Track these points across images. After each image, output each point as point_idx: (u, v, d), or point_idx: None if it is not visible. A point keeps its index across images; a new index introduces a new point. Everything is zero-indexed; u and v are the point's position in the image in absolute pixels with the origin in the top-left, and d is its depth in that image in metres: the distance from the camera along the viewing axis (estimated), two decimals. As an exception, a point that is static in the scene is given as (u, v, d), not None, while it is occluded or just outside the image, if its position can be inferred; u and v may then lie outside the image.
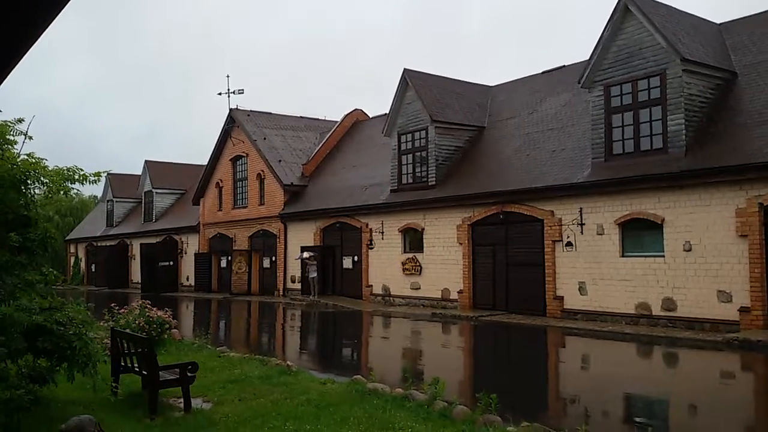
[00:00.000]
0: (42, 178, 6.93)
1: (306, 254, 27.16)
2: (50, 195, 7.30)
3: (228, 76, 51.85)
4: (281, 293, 29.99)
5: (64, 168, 7.29)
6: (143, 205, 42.85)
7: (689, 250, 15.72)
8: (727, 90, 16.86)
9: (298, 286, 28.74)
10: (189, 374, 8.24)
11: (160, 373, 8.09)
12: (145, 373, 8.33)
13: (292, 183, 30.33)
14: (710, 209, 15.41)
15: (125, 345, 8.90)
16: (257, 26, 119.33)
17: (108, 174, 7.43)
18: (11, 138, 7.65)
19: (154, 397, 7.93)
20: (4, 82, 3.67)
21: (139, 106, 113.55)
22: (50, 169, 7.05)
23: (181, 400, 8.43)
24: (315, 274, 26.60)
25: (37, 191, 7.11)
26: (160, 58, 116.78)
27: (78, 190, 8.41)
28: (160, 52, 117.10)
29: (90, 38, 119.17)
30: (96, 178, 7.51)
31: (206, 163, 36.20)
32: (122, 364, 8.95)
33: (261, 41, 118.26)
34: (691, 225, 15.72)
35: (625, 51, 17.31)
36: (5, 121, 7.73)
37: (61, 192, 7.07)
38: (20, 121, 7.75)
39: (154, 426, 7.38)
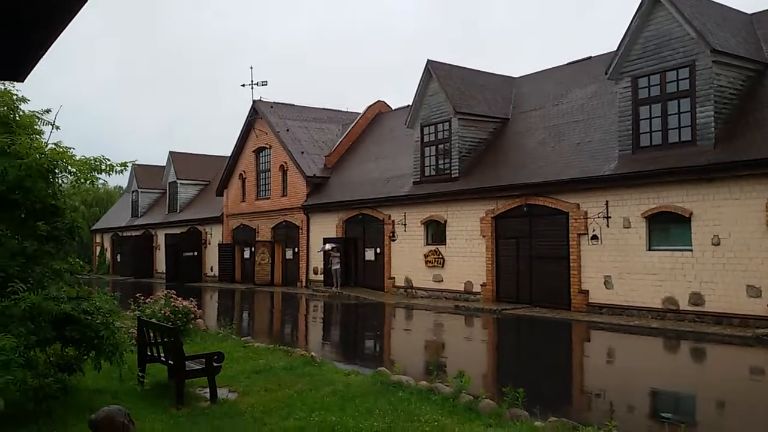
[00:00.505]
0: (70, 168, 6.97)
1: (328, 246, 27.22)
2: (77, 185, 7.34)
3: (251, 68, 51.98)
4: (304, 284, 30.08)
5: (92, 158, 7.32)
6: (168, 195, 43.19)
7: (718, 244, 15.46)
8: (758, 82, 16.51)
9: (320, 277, 28.80)
10: (215, 364, 8.27)
11: (186, 363, 8.13)
12: (171, 362, 8.38)
13: (314, 174, 30.36)
14: (740, 203, 15.12)
15: (151, 334, 8.96)
16: (281, 18, 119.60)
17: (133, 165, 7.45)
18: (38, 128, 7.72)
19: (181, 387, 7.97)
20: (32, 71, 3.66)
21: (164, 98, 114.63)
22: (77, 159, 7.08)
23: (206, 389, 8.47)
24: (338, 266, 26.65)
25: (64, 181, 7.16)
26: (187, 50, 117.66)
27: (105, 180, 8.46)
28: (187, 44, 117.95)
29: (114, 30, 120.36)
30: (122, 168, 7.54)
31: (230, 155, 36.38)
32: (148, 353, 9.01)
33: (285, 33, 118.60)
34: (720, 219, 15.45)
35: (653, 42, 17.01)
36: (33, 111, 7.79)
37: (88, 182, 7.10)
38: (47, 111, 7.81)
39: (180, 416, 7.42)
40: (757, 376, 11.46)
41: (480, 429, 6.86)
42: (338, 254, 26.81)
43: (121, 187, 57.17)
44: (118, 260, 47.10)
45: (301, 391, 8.63)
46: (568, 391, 10.23)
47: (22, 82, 3.61)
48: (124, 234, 46.74)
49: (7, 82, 7.62)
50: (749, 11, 18.72)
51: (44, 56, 3.23)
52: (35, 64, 3.36)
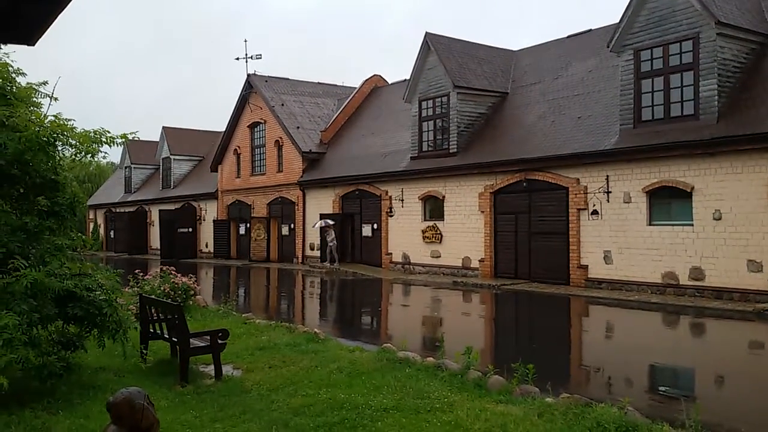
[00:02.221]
0: (71, 140, 6.76)
1: (323, 222, 27.03)
2: (77, 158, 7.14)
3: (246, 41, 51.18)
4: (300, 260, 29.98)
5: (91, 130, 7.11)
6: (161, 171, 42.84)
7: (719, 219, 15.39)
8: (762, 54, 16.32)
9: (317, 253, 28.69)
10: (220, 341, 8.15)
11: (190, 340, 8.00)
12: (175, 340, 8.25)
13: (310, 150, 30.09)
14: (742, 177, 15.03)
15: (153, 312, 8.82)
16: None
17: (126, 140, 7.24)
18: (37, 100, 7.49)
19: (185, 365, 7.85)
20: (38, 42, 3.50)
21: (161, 73, 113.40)
22: (78, 131, 6.87)
23: (210, 367, 8.36)
24: (334, 242, 26.49)
25: (66, 153, 6.95)
26: (184, 23, 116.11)
27: (106, 153, 8.25)
28: (186, 17, 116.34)
29: (115, 3, 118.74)
30: (123, 140, 7.33)
31: (224, 130, 36.02)
32: (151, 330, 8.88)
33: (282, 7, 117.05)
34: (722, 193, 15.37)
35: (656, 14, 16.77)
36: (30, 84, 7.56)
37: (89, 155, 6.90)
38: (45, 83, 7.57)
39: (186, 393, 7.31)
40: (757, 350, 11.45)
41: (491, 406, 6.78)
42: (333, 230, 26.60)
43: (113, 163, 56.71)
44: (112, 236, 46.84)
45: (307, 367, 8.52)
46: (570, 366, 10.18)
47: (33, 45, 3.46)
48: (118, 210, 46.44)
49: (1, 54, 7.39)
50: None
51: (55, 21, 3.09)
52: (47, 28, 3.22)
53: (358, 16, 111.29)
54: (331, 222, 27.00)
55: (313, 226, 28.39)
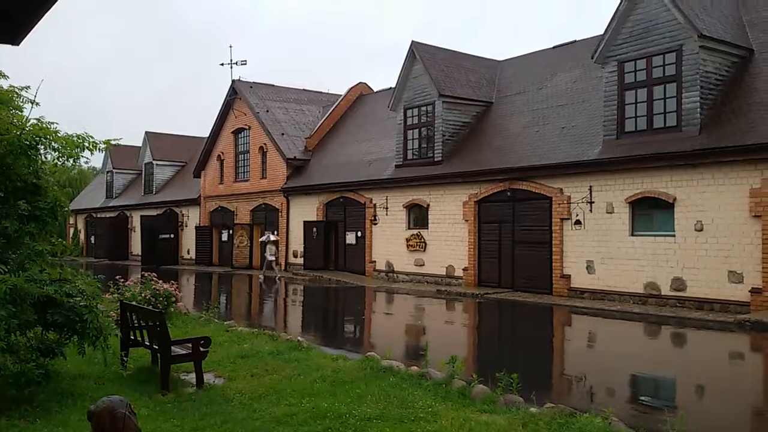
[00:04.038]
0: (53, 144, 6.65)
1: (266, 237, 27.87)
2: (59, 162, 7.03)
3: (231, 47, 51.17)
4: (283, 268, 29.80)
5: (74, 135, 7.01)
6: (143, 177, 42.49)
7: (701, 230, 15.52)
8: (744, 68, 16.53)
9: (300, 261, 28.57)
10: (202, 349, 8.06)
11: (172, 347, 7.90)
12: (156, 347, 8.15)
13: (295, 157, 30.01)
14: (723, 189, 15.18)
15: (134, 318, 8.71)
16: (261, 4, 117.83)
17: (108, 145, 7.13)
18: (19, 104, 7.38)
19: (167, 373, 7.75)
20: (24, 40, 3.43)
21: (147, 77, 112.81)
22: (60, 135, 6.77)
23: (191, 374, 8.27)
24: (273, 257, 27.32)
25: (47, 158, 6.84)
26: (171, 29, 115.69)
27: (88, 158, 8.14)
28: (174, 25, 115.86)
29: (109, 7, 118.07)
30: (106, 145, 7.24)
31: (208, 136, 35.82)
32: (131, 337, 8.76)
33: (270, 15, 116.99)
34: (704, 204, 15.50)
35: (640, 26, 16.93)
36: (12, 86, 7.45)
37: (71, 159, 6.80)
38: (27, 88, 7.47)
39: (167, 402, 7.21)
40: (738, 360, 11.53)
41: (475, 416, 6.75)
42: (275, 245, 27.69)
43: (95, 168, 56.18)
44: (92, 242, 46.35)
45: (290, 376, 8.46)
46: (553, 376, 10.18)
47: (18, 45, 3.38)
48: (99, 215, 45.97)
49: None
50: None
51: (40, 21, 3.03)
52: (32, 29, 3.16)
53: (348, 27, 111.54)
54: (273, 237, 27.81)
55: (261, 239, 28.99)
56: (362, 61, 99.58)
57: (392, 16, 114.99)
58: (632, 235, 17.01)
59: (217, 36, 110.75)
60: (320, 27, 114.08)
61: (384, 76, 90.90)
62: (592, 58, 18.14)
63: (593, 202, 17.77)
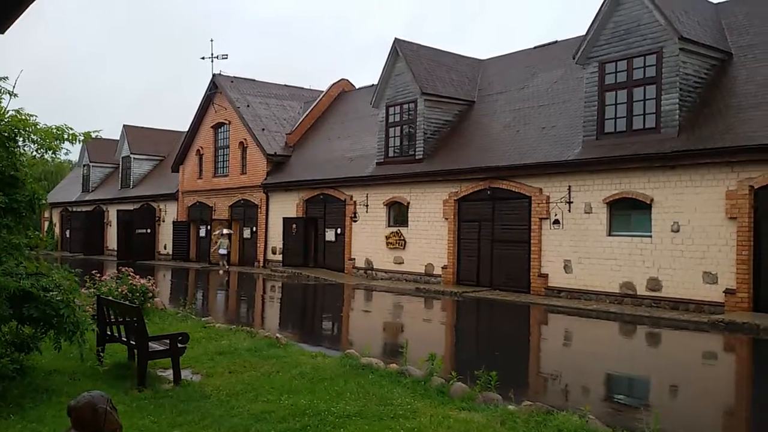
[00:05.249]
0: (32, 136, 6.54)
1: (226, 231, 29.72)
2: (38, 155, 6.92)
3: (212, 41, 50.73)
4: (261, 264, 29.69)
5: (53, 126, 6.90)
6: (120, 170, 42.03)
7: (677, 231, 15.71)
8: (722, 71, 16.75)
9: (279, 257, 28.45)
10: (179, 345, 7.98)
11: (149, 343, 7.82)
12: (133, 342, 8.06)
13: (275, 153, 29.86)
14: (700, 190, 15.37)
15: (111, 314, 8.61)
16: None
17: (93, 135, 7.02)
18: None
19: (143, 369, 7.67)
20: (9, 29, 3.37)
21: (134, 71, 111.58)
22: (40, 126, 6.66)
23: (169, 371, 8.19)
24: (225, 251, 29.38)
25: (27, 149, 6.73)
26: (157, 22, 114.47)
27: (68, 150, 8.04)
28: (158, 18, 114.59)
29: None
30: (86, 137, 7.14)
31: (187, 130, 35.51)
32: (108, 333, 8.66)
33: (257, 10, 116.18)
34: (680, 206, 15.69)
35: (622, 27, 17.08)
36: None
37: (50, 151, 6.69)
38: (5, 79, 7.33)
39: (143, 398, 7.13)
40: (711, 360, 11.69)
41: (454, 413, 6.77)
42: (228, 239, 29.78)
43: (71, 161, 55.48)
44: (68, 236, 45.76)
45: (268, 373, 8.41)
46: (530, 374, 10.24)
47: (2, 33, 3.30)
48: (74, 209, 45.40)
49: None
50: (715, 1, 18.93)
51: (27, 10, 2.96)
52: (18, 16, 3.08)
53: (334, 23, 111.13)
54: (226, 231, 30.14)
55: (216, 233, 30.73)
56: (347, 58, 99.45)
57: (379, 14, 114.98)
58: (609, 235, 17.17)
59: (205, 30, 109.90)
60: (306, 23, 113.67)
61: (368, 73, 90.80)
62: (574, 58, 18.26)
63: (572, 202, 17.91)
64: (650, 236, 16.26)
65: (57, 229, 48.00)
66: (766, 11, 17.41)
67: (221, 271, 28.04)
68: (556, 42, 23.56)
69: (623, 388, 9.49)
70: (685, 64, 16.13)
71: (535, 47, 24.32)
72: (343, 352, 9.46)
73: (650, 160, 16.06)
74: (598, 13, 17.41)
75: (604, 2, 17.28)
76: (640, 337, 13.66)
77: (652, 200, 16.19)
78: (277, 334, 10.98)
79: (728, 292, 14.73)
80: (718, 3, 18.80)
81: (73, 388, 7.16)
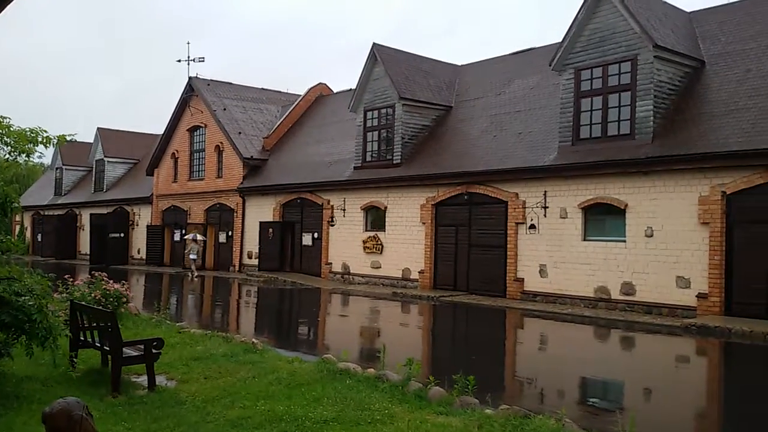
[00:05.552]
0: (5, 138, 6.42)
1: (191, 236, 29.62)
2: (10, 157, 6.78)
3: (189, 43, 50.40)
4: (237, 269, 29.47)
5: (27, 129, 6.78)
6: (94, 174, 41.50)
7: (651, 235, 15.90)
8: (696, 78, 17.01)
9: (255, 262, 28.28)
10: (154, 351, 7.87)
11: (123, 349, 7.71)
12: (107, 348, 7.94)
13: (252, 156, 29.69)
14: (674, 196, 15.58)
15: (84, 319, 8.47)
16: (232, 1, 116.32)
17: (68, 138, 6.91)
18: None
19: (117, 375, 7.55)
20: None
21: (103, 73, 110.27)
22: (13, 129, 6.54)
23: (143, 377, 8.08)
24: (195, 256, 29.00)
25: (0, 152, 6.60)
26: (133, 26, 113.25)
27: (42, 153, 7.90)
28: (133, 19, 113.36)
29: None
30: (60, 140, 7.03)
31: (162, 133, 35.17)
32: (81, 338, 8.52)
33: (239, 13, 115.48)
34: (654, 211, 15.89)
35: (597, 35, 17.27)
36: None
37: (24, 154, 6.57)
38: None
39: (118, 404, 7.02)
40: (683, 364, 11.84)
41: (431, 417, 6.76)
42: (198, 245, 29.48)
43: (43, 164, 54.62)
44: (39, 240, 45.04)
45: (244, 378, 8.33)
46: (506, 378, 10.29)
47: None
48: (46, 213, 44.71)
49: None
50: (688, 10, 19.24)
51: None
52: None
53: (314, 27, 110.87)
54: (200, 237, 29.88)
55: (183, 237, 30.62)
56: (326, 63, 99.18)
57: (361, 21, 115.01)
58: (584, 240, 17.32)
59: (181, 33, 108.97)
60: (285, 28, 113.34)
61: (346, 78, 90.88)
62: (550, 65, 18.43)
63: (547, 207, 18.05)
64: (624, 241, 16.43)
65: (28, 233, 47.24)
66: (737, 20, 17.74)
67: (190, 277, 27.61)
68: (532, 49, 23.76)
69: (598, 391, 9.58)
70: (660, 71, 16.35)
71: (511, 54, 24.50)
72: (320, 357, 9.42)
73: (625, 165, 16.25)
74: (574, 21, 17.60)
75: (580, 10, 17.47)
76: (615, 340, 13.80)
77: (626, 205, 16.37)
78: (254, 339, 10.90)
79: (701, 296, 14.93)
80: (692, 12, 19.12)
81: (45, 394, 7.04)
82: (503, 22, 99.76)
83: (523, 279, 18.56)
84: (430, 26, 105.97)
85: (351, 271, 23.97)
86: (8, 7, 2.86)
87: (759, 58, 16.25)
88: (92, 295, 11.99)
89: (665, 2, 18.59)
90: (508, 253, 18.92)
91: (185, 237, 30.58)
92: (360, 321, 16.35)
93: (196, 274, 28.23)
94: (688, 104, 16.44)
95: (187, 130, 33.45)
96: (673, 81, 16.71)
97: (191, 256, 29.17)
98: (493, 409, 6.94)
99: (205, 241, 30.48)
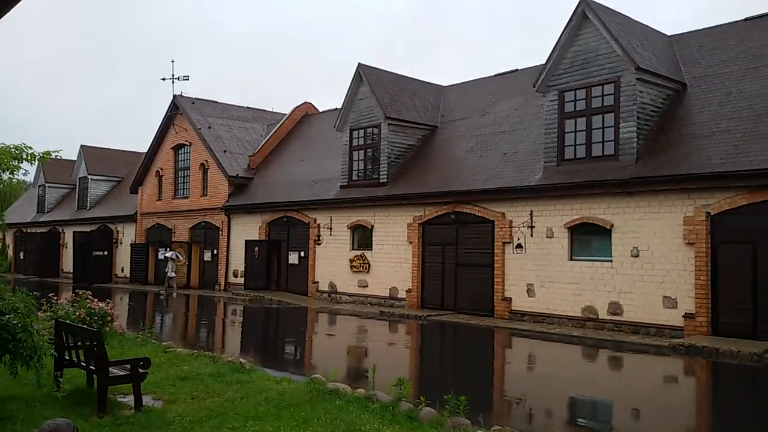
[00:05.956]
0: (-11, 155, 6.36)
1: (172, 254, 29.52)
2: (-3, 174, 6.72)
3: (173, 62, 50.37)
4: (222, 287, 29.25)
5: (12, 146, 6.72)
6: (77, 191, 41.15)
7: (637, 255, 16.00)
8: (678, 100, 17.25)
9: (240, 280, 28.10)
10: (141, 370, 7.77)
11: (109, 368, 7.60)
12: (92, 368, 7.82)
13: (237, 175, 29.61)
14: (659, 216, 15.71)
15: (69, 338, 8.35)
16: (218, 18, 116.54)
17: (53, 155, 6.85)
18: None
19: (104, 395, 7.43)
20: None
21: (87, 91, 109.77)
22: (-2, 146, 6.48)
23: (129, 396, 7.98)
24: (173, 274, 28.98)
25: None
26: (113, 39, 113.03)
27: (26, 170, 7.83)
28: (120, 37, 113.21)
29: (50, 15, 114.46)
30: (46, 157, 6.97)
31: (146, 151, 35.01)
32: (66, 357, 8.39)
33: (217, 33, 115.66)
34: (640, 231, 16.00)
35: (581, 57, 17.50)
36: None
37: (8, 171, 6.50)
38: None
39: (104, 425, 6.91)
40: (672, 384, 11.86)
41: (423, 438, 6.72)
42: (177, 261, 29.59)
43: (26, 182, 54.14)
44: (22, 258, 44.48)
45: (232, 399, 8.24)
46: (495, 398, 10.25)
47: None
48: (29, 231, 44.22)
49: None
50: (669, 33, 19.56)
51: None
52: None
53: (300, 46, 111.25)
54: (181, 258, 29.91)
55: (165, 255, 30.31)
56: (311, 82, 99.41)
57: (345, 40, 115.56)
58: (571, 259, 17.40)
59: (166, 51, 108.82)
60: (270, 47, 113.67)
61: (331, 98, 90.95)
62: (534, 86, 18.61)
63: (534, 227, 18.13)
64: (611, 261, 16.52)
65: (10, 251, 46.69)
66: (716, 44, 18.07)
67: (164, 294, 27.51)
68: (516, 70, 24.00)
69: (587, 411, 9.56)
70: (642, 93, 16.57)
71: (496, 75, 24.73)
72: (309, 377, 9.35)
73: (609, 186, 16.38)
74: (557, 43, 17.81)
75: (563, 32, 17.70)
76: (603, 360, 13.81)
77: (612, 225, 16.48)
78: (241, 359, 10.80)
79: (687, 316, 15.01)
80: (672, 35, 19.44)
81: (29, 414, 6.91)
82: (483, 46, 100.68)
83: (510, 298, 18.58)
84: (411, 48, 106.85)
85: (338, 290, 23.88)
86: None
87: (739, 80, 16.54)
88: (77, 313, 11.80)
89: (647, 26, 18.89)
90: (496, 272, 18.95)
91: (166, 255, 30.34)
92: (348, 340, 16.25)
93: (171, 291, 28.27)
94: (670, 126, 16.66)
95: (172, 148, 33.33)
96: (656, 103, 16.94)
97: (169, 274, 29.06)
98: (485, 430, 6.91)
99: (177, 256, 30.06)
